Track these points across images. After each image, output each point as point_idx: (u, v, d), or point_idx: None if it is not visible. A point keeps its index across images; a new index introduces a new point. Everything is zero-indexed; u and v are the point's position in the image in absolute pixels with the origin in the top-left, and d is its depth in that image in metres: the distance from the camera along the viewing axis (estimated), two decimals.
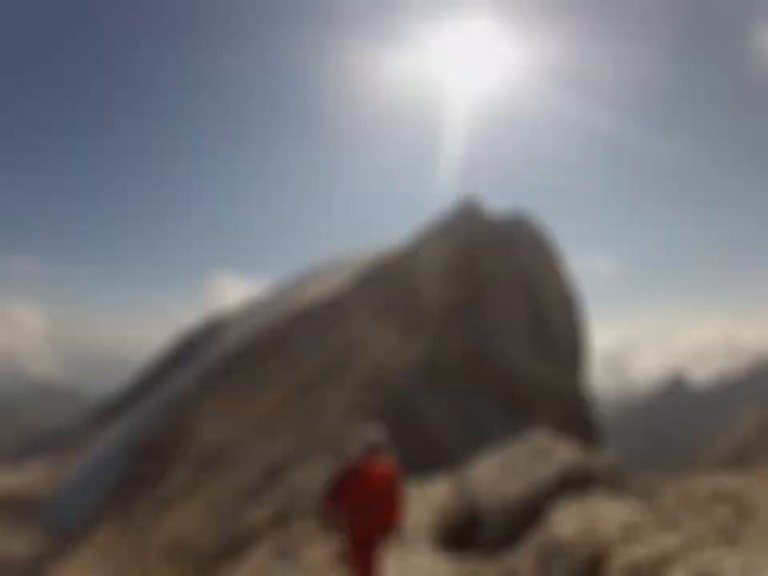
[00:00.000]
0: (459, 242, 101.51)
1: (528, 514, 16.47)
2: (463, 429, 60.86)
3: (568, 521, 13.70)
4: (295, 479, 42.02)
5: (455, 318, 79.44)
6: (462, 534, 18.12)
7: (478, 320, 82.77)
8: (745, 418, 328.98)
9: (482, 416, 66.43)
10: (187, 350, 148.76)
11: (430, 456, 50.01)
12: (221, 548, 43.25)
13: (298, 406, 64.86)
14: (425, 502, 21.93)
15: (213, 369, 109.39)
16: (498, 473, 18.99)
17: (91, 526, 78.13)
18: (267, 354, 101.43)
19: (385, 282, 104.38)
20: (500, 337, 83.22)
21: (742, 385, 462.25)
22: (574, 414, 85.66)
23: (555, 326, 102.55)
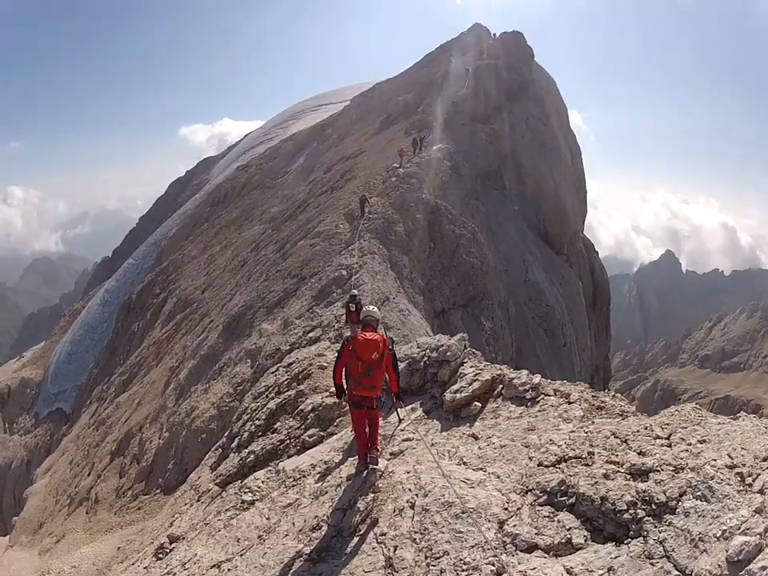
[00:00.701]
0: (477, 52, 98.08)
1: None
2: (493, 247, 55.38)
3: None
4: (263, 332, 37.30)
5: (480, 124, 72.79)
6: None
7: (509, 128, 76.29)
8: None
9: (512, 238, 61.57)
10: (175, 197, 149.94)
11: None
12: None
13: (280, 237, 60.24)
14: None
15: (199, 210, 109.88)
16: None
17: (78, 407, 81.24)
18: (255, 187, 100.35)
19: (388, 98, 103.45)
20: (536, 151, 77.23)
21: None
22: (588, 260, 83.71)
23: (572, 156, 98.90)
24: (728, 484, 7.99)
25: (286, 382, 25.17)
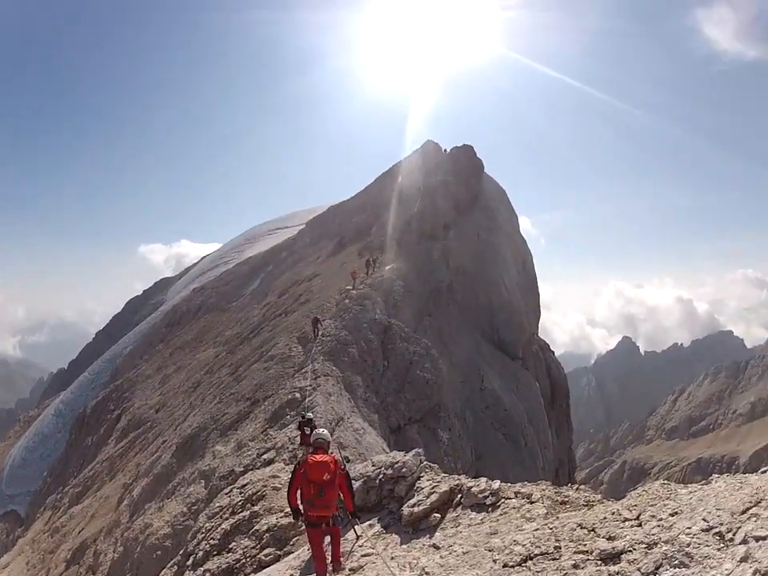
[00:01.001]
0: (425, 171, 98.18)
1: None
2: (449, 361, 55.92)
3: None
4: (216, 454, 37.49)
5: (432, 242, 74.07)
6: None
7: (459, 243, 78.14)
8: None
9: (467, 350, 62.45)
10: (131, 315, 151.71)
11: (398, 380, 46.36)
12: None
13: (233, 360, 60.85)
14: None
15: (155, 330, 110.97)
16: None
17: (32, 511, 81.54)
18: (210, 309, 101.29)
19: (341, 220, 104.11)
20: (488, 262, 78.48)
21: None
22: (544, 361, 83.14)
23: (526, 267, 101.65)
24: (706, 546, 8.02)
25: (240, 503, 25.17)
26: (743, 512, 8.41)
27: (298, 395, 37.86)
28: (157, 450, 51.40)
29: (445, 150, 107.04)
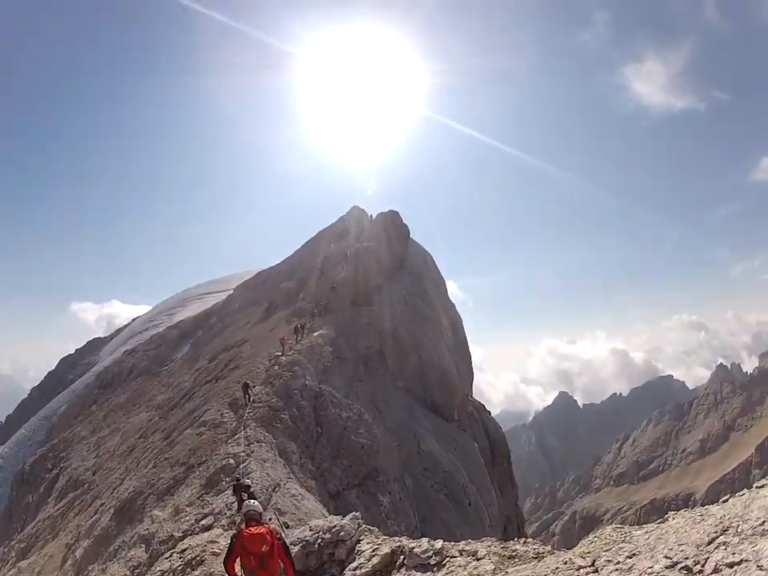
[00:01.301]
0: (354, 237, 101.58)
1: None
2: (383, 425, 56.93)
3: None
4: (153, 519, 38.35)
5: (360, 307, 76.28)
6: None
7: (387, 307, 79.55)
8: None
9: (400, 414, 63.06)
10: (65, 374, 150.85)
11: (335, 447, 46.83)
12: None
13: (167, 425, 61.53)
14: None
15: (88, 391, 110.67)
16: None
17: None
18: (142, 373, 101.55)
19: (270, 286, 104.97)
20: (417, 326, 79.46)
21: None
22: (481, 421, 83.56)
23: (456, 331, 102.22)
24: None
25: (180, 568, 24.77)
26: (709, 542, 8.58)
27: (232, 461, 38.24)
28: (96, 513, 51.71)
29: (371, 216, 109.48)
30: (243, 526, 14.22)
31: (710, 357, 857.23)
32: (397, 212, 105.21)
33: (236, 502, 30.94)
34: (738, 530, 8.40)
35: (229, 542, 14.67)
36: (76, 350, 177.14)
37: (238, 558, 13.82)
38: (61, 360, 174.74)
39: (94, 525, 47.59)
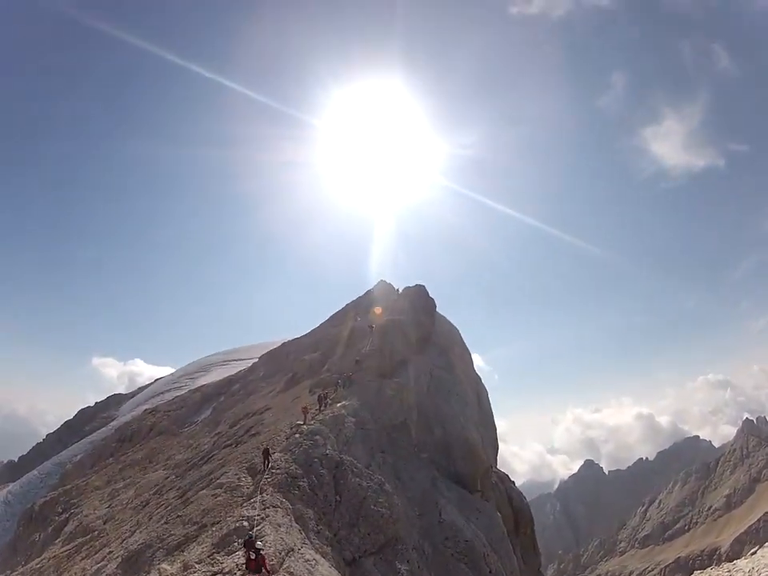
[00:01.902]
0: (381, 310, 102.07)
1: None
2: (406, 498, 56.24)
3: None
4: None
5: (385, 380, 75.57)
6: None
7: (413, 380, 79.20)
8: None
9: (423, 485, 61.89)
10: (82, 425, 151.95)
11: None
12: None
13: (182, 484, 61.37)
14: None
15: (106, 443, 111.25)
16: None
17: None
18: (162, 432, 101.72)
19: (294, 357, 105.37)
20: (442, 399, 79.39)
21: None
22: (505, 491, 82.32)
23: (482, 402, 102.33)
24: None
25: None
26: None
27: (246, 524, 37.82)
28: (102, 559, 51.72)
29: (397, 290, 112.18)
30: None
31: (735, 413, 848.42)
32: (423, 286, 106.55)
33: (245, 562, 30.29)
34: None
35: None
36: (96, 402, 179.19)
37: None
38: (79, 411, 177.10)
39: (100, 570, 47.64)
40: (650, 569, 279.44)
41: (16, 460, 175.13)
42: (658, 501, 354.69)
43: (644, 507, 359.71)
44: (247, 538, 32.62)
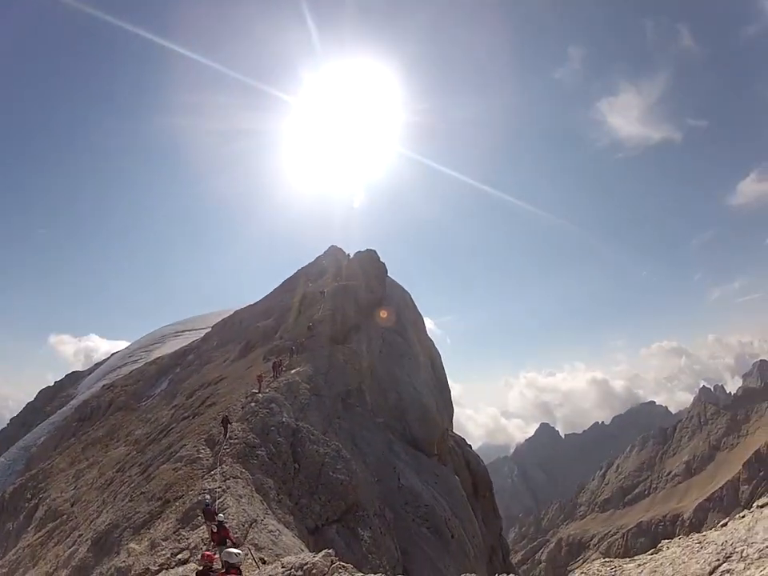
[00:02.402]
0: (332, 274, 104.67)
1: None
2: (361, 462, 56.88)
3: None
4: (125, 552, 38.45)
5: (338, 345, 76.37)
6: None
7: (366, 345, 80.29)
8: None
9: (379, 450, 62.90)
10: (43, 405, 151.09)
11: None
12: None
13: (144, 459, 61.68)
14: None
15: (67, 423, 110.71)
16: None
17: None
18: (120, 407, 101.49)
19: (247, 324, 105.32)
20: (395, 363, 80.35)
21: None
22: (462, 455, 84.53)
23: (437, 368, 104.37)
24: None
25: None
26: (711, 572, 8.25)
27: (207, 497, 37.35)
28: (74, 543, 51.73)
29: (348, 255, 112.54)
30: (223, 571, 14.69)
31: (692, 381, 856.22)
32: (374, 251, 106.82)
33: (210, 535, 30.74)
34: (743, 555, 8.13)
35: None
36: (55, 382, 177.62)
37: None
38: (40, 391, 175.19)
39: (72, 555, 47.57)
40: (611, 533, 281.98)
41: None
42: (616, 465, 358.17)
43: (602, 471, 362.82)
44: (204, 506, 33.52)
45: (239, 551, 16.27)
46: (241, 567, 15.67)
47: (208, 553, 19.40)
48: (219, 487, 39.75)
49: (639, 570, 9.31)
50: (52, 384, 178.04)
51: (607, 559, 11.21)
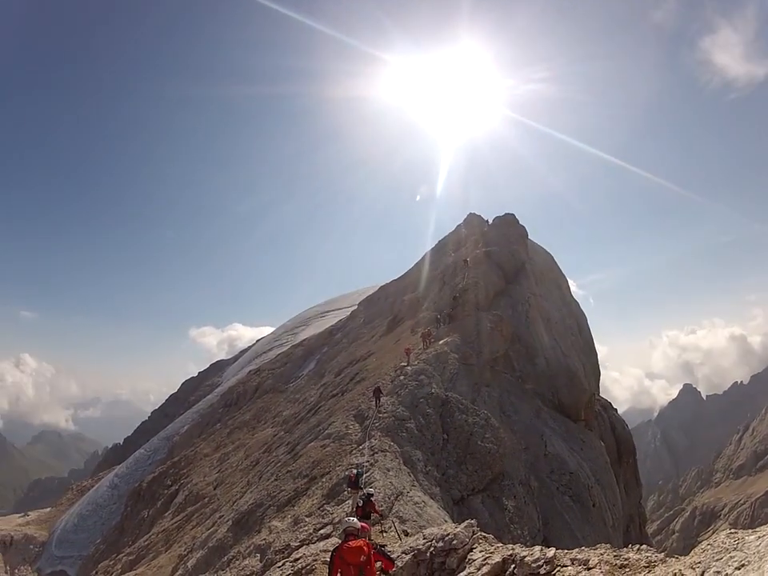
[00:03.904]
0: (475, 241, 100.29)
1: None
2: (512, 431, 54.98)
3: None
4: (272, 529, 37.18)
5: (484, 313, 73.10)
6: None
7: (511, 311, 77.90)
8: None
9: (527, 417, 61.24)
10: (187, 396, 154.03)
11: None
12: None
13: (291, 439, 60.85)
14: None
15: (212, 411, 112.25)
16: None
17: (83, 574, 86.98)
18: (268, 390, 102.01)
19: (393, 299, 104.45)
20: (541, 328, 78.10)
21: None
22: (608, 420, 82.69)
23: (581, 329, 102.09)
24: None
25: None
26: None
27: (355, 471, 34.98)
28: (213, 525, 52.62)
29: (487, 221, 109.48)
30: (342, 540, 15.06)
31: None
32: (513, 215, 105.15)
33: (355, 510, 27.99)
34: None
35: (330, 557, 15.14)
36: (199, 372, 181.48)
37: (339, 571, 14.42)
38: (184, 382, 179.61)
39: (211, 536, 48.15)
40: (741, 501, 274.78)
41: (121, 443, 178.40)
42: (751, 428, 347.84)
43: (738, 435, 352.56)
44: (349, 473, 32.37)
45: (354, 518, 16.42)
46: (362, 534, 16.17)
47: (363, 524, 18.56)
48: (367, 461, 38.83)
49: (758, 543, 8.88)
50: (195, 375, 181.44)
51: (732, 531, 10.30)
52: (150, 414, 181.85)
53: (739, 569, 8.56)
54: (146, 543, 67.06)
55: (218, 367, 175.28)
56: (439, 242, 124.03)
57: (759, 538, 9.26)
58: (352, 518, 16.03)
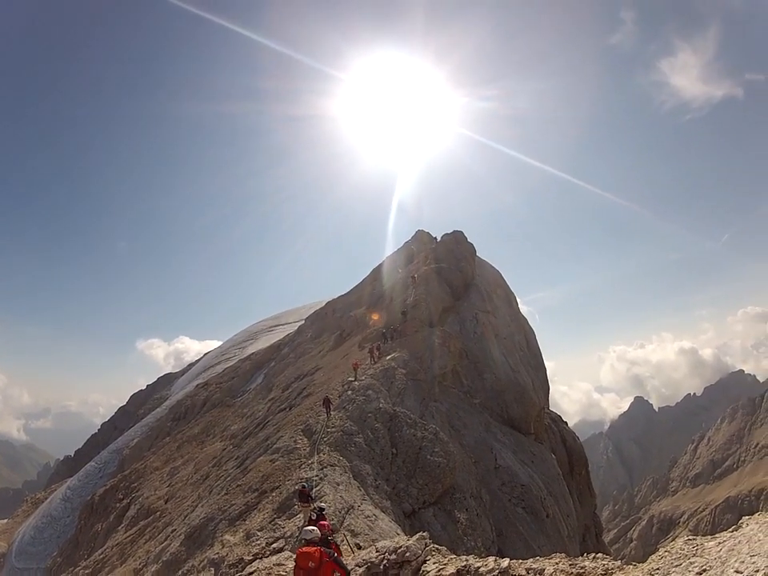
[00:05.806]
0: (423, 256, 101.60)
1: None
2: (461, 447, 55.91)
3: None
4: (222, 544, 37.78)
5: (432, 328, 74.57)
6: None
7: (459, 327, 79.19)
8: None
9: (477, 431, 61.88)
10: (136, 409, 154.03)
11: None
12: None
13: (240, 453, 61.42)
14: None
15: (161, 424, 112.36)
16: None
17: None
18: (216, 404, 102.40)
19: (341, 314, 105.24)
20: (489, 343, 78.25)
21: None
22: (558, 433, 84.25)
23: (529, 344, 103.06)
24: None
25: None
26: None
27: (305, 485, 35.73)
28: (166, 539, 52.24)
29: (435, 238, 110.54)
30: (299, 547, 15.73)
31: None
32: (461, 232, 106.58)
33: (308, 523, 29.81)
34: None
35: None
36: (147, 385, 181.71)
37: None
38: (132, 395, 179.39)
39: (164, 550, 47.83)
40: (700, 509, 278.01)
41: (72, 455, 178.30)
42: (707, 438, 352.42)
43: (694, 444, 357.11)
44: (300, 487, 32.99)
45: (314, 528, 16.79)
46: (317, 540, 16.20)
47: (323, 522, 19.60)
48: (316, 476, 39.13)
49: (719, 549, 9.12)
50: (144, 388, 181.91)
51: (690, 537, 10.61)
52: (99, 427, 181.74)
53: (700, 574, 8.95)
54: (101, 557, 66.93)
55: (167, 380, 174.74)
56: (386, 258, 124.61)
57: (720, 543, 9.62)
58: (311, 528, 16.63)
